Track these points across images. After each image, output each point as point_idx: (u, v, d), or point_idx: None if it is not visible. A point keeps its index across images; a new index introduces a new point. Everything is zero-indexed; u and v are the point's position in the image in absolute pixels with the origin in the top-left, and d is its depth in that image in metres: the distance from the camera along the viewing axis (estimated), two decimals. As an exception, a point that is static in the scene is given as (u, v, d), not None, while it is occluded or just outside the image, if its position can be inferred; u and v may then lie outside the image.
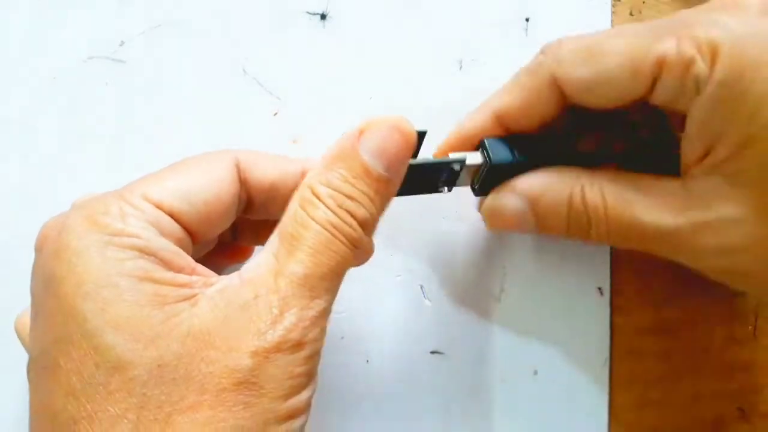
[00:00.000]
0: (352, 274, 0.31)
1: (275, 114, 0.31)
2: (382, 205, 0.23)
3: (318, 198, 0.22)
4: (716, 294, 0.33)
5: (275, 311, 0.20)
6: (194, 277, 0.21)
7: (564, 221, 0.27)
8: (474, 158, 0.27)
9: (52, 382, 0.19)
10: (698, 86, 0.23)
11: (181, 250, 0.22)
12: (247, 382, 0.20)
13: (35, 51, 0.30)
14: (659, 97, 0.25)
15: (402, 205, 0.32)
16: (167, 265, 0.21)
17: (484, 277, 0.32)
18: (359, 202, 0.22)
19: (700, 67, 0.23)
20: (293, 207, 0.22)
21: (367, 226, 0.23)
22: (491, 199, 0.28)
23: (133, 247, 0.20)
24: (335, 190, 0.22)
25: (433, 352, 0.31)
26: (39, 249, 0.22)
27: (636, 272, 0.33)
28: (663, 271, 0.33)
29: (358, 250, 0.23)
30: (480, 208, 0.29)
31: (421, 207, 0.32)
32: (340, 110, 0.32)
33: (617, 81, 0.24)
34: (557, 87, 0.26)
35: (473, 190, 0.29)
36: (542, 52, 0.27)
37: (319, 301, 0.21)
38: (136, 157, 0.30)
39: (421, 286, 0.32)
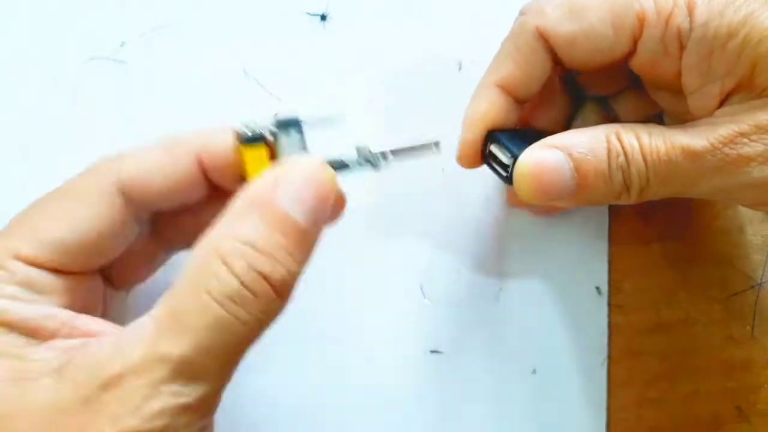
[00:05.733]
0: (353, 273, 0.31)
1: (276, 115, 0.31)
2: (303, 261, 0.20)
3: (223, 262, 0.18)
4: (714, 293, 0.34)
5: (136, 397, 0.18)
6: (61, 342, 0.20)
7: (604, 167, 0.25)
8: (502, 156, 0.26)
9: None
10: (681, 38, 0.24)
11: (55, 310, 0.20)
12: None
13: (36, 52, 0.30)
14: (642, 56, 0.25)
15: (401, 205, 0.32)
16: (35, 333, 0.20)
17: (483, 276, 0.32)
18: (276, 259, 0.19)
19: (681, 17, 0.24)
20: (189, 268, 0.19)
21: (285, 289, 0.19)
22: (527, 155, 0.25)
23: None
24: (247, 244, 0.19)
25: (432, 352, 0.32)
26: None
27: (634, 272, 0.33)
28: (661, 270, 0.33)
29: (268, 318, 0.19)
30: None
31: (420, 207, 0.32)
32: (340, 111, 0.32)
33: (600, 37, 0.25)
34: (545, 41, 0.26)
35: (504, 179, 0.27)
36: (522, 13, 0.27)
37: (197, 387, 0.18)
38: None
39: (421, 286, 0.32)
